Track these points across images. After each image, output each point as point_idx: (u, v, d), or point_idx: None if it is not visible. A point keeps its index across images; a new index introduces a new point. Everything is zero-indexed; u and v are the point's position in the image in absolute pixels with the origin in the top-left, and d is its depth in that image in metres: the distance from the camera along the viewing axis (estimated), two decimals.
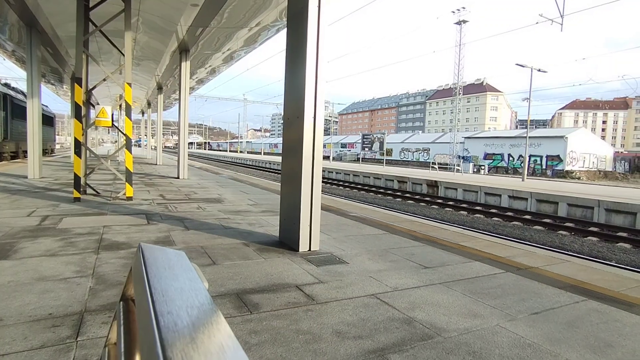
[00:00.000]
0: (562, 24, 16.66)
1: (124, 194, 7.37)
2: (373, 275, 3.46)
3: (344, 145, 63.14)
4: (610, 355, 2.24)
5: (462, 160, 37.61)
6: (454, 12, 38.30)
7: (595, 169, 37.10)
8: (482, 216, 12.68)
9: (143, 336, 0.40)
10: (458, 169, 27.63)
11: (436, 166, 28.69)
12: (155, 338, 0.35)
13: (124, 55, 7.28)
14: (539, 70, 22.79)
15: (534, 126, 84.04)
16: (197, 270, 0.61)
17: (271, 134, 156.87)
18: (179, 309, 0.42)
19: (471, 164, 35.42)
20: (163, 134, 24.68)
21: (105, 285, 2.91)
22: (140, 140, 26.51)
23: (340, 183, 22.41)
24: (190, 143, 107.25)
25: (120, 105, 14.20)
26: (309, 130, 4.14)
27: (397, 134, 67.89)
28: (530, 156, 34.25)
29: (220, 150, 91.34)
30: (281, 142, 4.77)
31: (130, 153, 7.40)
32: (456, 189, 17.06)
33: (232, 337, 0.39)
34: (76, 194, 6.94)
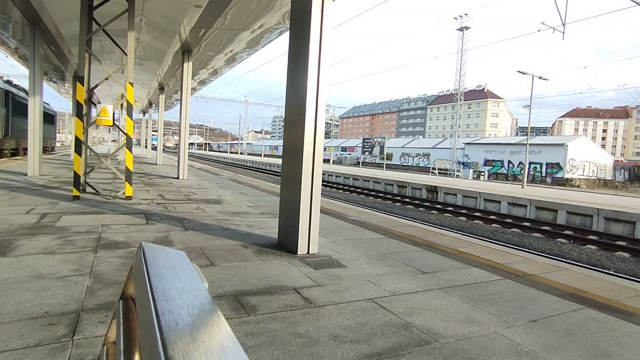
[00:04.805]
0: (563, 32, 16.73)
1: (124, 193, 7.36)
2: (371, 280, 3.45)
3: (344, 149, 63.20)
4: None
5: (462, 166, 37.66)
6: (456, 18, 38.46)
7: (595, 178, 37.13)
8: (481, 222, 12.68)
9: (144, 335, 0.40)
10: (458, 175, 27.64)
11: (436, 171, 28.70)
12: (157, 337, 0.35)
13: (126, 54, 7.30)
14: (540, 78, 22.87)
15: (535, 133, 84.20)
16: (197, 270, 0.61)
17: (272, 136, 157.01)
18: (180, 308, 0.42)
19: (471, 170, 35.44)
20: (163, 134, 24.69)
21: (103, 284, 2.91)
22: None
23: (340, 186, 22.42)
24: (191, 144, 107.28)
25: (121, 105, 14.22)
26: (310, 133, 4.15)
27: (397, 139, 67.98)
28: (530, 163, 34.31)
29: (220, 152, 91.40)
30: (281, 144, 4.77)
31: (131, 152, 7.40)
32: (456, 195, 17.06)
33: (232, 337, 0.39)
34: (75, 192, 6.93)
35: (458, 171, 28.86)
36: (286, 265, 3.74)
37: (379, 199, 17.94)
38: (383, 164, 35.52)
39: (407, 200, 17.12)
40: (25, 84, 20.09)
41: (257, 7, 8.04)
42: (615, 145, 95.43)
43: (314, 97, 4.16)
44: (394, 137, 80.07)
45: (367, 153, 41.29)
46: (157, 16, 8.89)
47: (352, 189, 21.33)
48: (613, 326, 2.80)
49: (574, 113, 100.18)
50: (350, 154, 60.57)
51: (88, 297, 2.66)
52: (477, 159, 41.10)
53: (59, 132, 45.73)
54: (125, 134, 7.45)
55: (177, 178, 12.37)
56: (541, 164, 35.36)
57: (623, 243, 9.85)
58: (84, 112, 7.27)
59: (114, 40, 8.20)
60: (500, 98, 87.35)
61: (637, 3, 12.25)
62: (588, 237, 10.52)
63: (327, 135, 78.52)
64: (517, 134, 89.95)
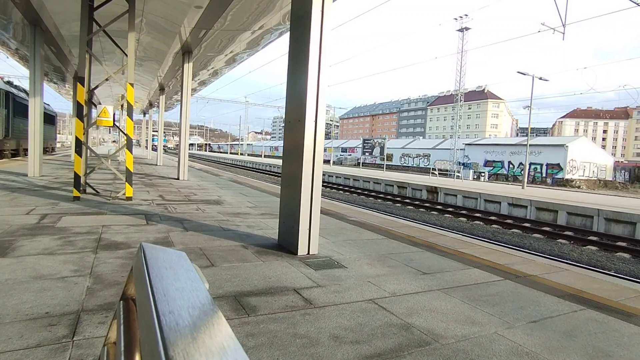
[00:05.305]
0: (564, 33, 16.74)
1: (124, 193, 7.36)
2: (371, 280, 3.45)
3: (344, 150, 63.20)
4: None
5: (462, 166, 37.65)
6: (456, 19, 38.48)
7: (595, 178, 37.11)
8: (481, 223, 12.67)
9: (144, 335, 0.40)
10: (458, 176, 27.63)
11: (436, 172, 28.70)
12: (157, 337, 0.35)
13: (127, 55, 7.31)
14: (540, 79, 22.87)
15: (535, 134, 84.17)
16: (197, 271, 0.61)
17: (272, 137, 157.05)
18: (181, 309, 0.42)
19: (471, 171, 35.44)
20: (164, 135, 24.68)
21: (103, 285, 2.91)
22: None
23: (340, 187, 22.42)
24: (191, 144, 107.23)
25: (122, 105, 14.24)
26: (310, 133, 4.15)
27: (397, 139, 68.00)
28: (530, 164, 34.28)
29: (220, 152, 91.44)
30: (282, 145, 4.77)
31: (131, 153, 7.41)
32: (456, 196, 17.06)
33: (233, 338, 0.39)
34: (76, 193, 6.94)
35: (458, 172, 28.85)
36: (286, 266, 3.74)
37: (379, 200, 17.93)
38: (383, 164, 35.53)
39: (407, 201, 17.11)
40: (25, 84, 20.13)
41: (257, 8, 8.05)
42: (615, 146, 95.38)
43: (314, 98, 4.16)
44: (394, 138, 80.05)
45: (367, 154, 41.34)
46: (157, 17, 8.90)
47: (352, 189, 21.34)
48: (613, 327, 2.79)
49: (574, 114, 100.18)
50: (350, 155, 60.56)
51: (88, 297, 2.66)
52: (477, 160, 41.09)
53: (59, 133, 45.80)
54: (126, 134, 7.46)
55: (178, 179, 12.37)
56: (541, 165, 35.35)
57: (623, 244, 9.85)
58: (84, 113, 7.28)
59: (115, 41, 8.21)
60: (501, 99, 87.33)
61: (636, 4, 12.26)
62: (588, 237, 10.51)
63: (327, 136, 78.52)
64: (517, 135, 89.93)
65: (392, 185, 20.99)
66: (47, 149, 23.53)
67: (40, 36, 10.11)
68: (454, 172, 28.84)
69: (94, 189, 8.11)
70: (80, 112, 7.13)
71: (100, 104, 23.58)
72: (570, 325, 2.75)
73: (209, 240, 4.52)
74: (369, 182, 22.91)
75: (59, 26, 9.96)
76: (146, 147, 35.62)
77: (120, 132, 17.92)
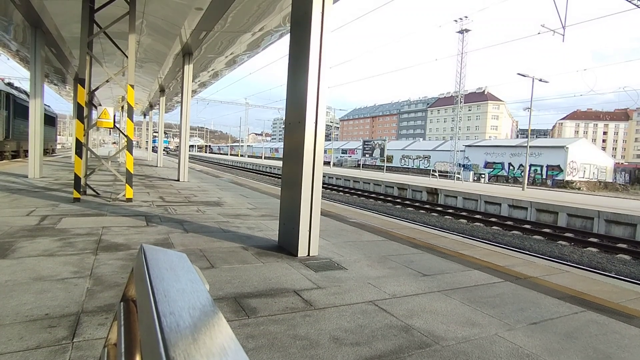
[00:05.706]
0: (563, 35, 16.76)
1: (124, 195, 7.37)
2: (371, 282, 3.45)
3: (344, 151, 63.21)
4: None
5: (462, 168, 37.63)
6: (456, 21, 38.55)
7: (596, 180, 37.10)
8: (481, 225, 12.66)
9: (145, 336, 0.40)
10: (458, 177, 27.62)
11: (436, 174, 28.70)
12: (158, 338, 0.35)
13: (127, 57, 7.32)
14: (540, 80, 22.89)
15: (535, 136, 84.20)
16: (198, 272, 0.62)
17: (272, 139, 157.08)
18: (181, 310, 0.42)
19: (471, 173, 35.42)
20: (165, 136, 24.67)
21: (103, 287, 2.90)
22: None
23: (340, 189, 22.42)
24: (191, 146, 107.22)
25: (122, 107, 14.25)
26: (310, 135, 4.15)
27: (398, 141, 68.00)
28: (530, 165, 34.27)
29: (220, 154, 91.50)
30: (282, 146, 4.78)
31: (131, 154, 7.41)
32: (456, 197, 17.06)
33: (233, 339, 0.39)
34: (76, 195, 6.94)
35: (458, 173, 28.84)
36: (286, 267, 3.74)
37: (380, 202, 17.93)
38: (383, 166, 35.51)
39: (407, 202, 17.11)
40: (26, 86, 20.14)
41: (257, 10, 8.07)
42: (615, 148, 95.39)
43: (314, 100, 4.16)
44: (395, 140, 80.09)
45: (367, 155, 41.34)
46: (158, 19, 8.92)
47: (352, 191, 21.33)
48: (614, 329, 2.79)
49: (574, 115, 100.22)
50: (350, 157, 60.58)
51: (88, 299, 2.66)
52: (477, 162, 41.08)
53: (59, 134, 45.85)
54: (126, 136, 7.47)
55: (178, 180, 12.38)
56: (542, 166, 35.34)
57: (624, 245, 9.84)
58: (84, 115, 7.29)
59: (115, 43, 8.22)
60: (501, 100, 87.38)
61: (635, 5, 12.28)
62: (589, 239, 10.50)
63: (328, 137, 78.53)
64: (517, 136, 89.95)
65: (393, 187, 20.99)
66: (48, 151, 23.55)
67: (41, 38, 10.13)
68: (454, 173, 28.82)
69: (94, 191, 8.11)
70: (80, 113, 7.14)
71: (100, 105, 23.61)
72: (570, 327, 2.75)
73: (209, 242, 4.52)
74: (369, 183, 22.91)
75: (60, 28, 9.98)
76: (146, 149, 35.62)
77: (121, 134, 17.95)
